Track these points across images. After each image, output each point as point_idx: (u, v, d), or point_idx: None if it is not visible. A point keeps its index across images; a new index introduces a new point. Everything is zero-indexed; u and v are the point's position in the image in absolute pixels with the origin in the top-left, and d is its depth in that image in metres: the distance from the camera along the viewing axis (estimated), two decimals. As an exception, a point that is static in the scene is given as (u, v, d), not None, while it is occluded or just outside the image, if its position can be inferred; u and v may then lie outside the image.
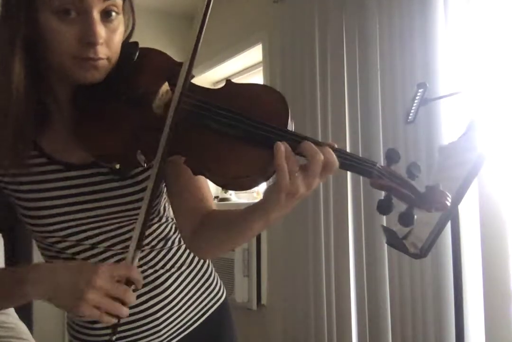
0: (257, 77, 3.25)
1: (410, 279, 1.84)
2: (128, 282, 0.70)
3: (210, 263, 1.05)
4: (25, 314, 2.27)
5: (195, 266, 0.99)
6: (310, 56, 2.44)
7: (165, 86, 0.74)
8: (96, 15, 0.70)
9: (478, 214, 1.60)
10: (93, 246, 0.86)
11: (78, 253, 0.86)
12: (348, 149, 2.16)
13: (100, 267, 0.69)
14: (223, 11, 3.37)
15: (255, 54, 3.09)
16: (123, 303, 0.69)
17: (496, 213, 1.55)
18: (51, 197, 0.82)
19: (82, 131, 0.75)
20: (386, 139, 1.99)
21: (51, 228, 0.83)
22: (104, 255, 0.87)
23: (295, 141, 0.68)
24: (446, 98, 1.69)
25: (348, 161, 0.70)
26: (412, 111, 1.54)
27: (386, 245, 1.82)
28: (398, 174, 0.71)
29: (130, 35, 0.83)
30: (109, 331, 0.88)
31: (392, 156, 0.72)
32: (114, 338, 0.72)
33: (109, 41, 0.73)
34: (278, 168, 0.66)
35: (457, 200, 1.14)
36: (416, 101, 1.53)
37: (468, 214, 1.66)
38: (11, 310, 2.14)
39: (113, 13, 0.73)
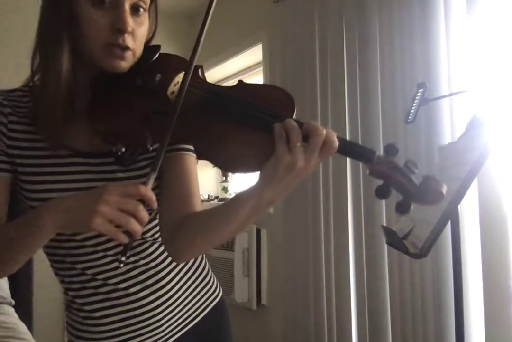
0: (257, 77, 3.25)
1: (410, 279, 1.84)
2: (141, 200, 0.70)
3: (206, 261, 1.05)
4: (25, 314, 2.27)
5: (193, 263, 1.01)
6: (310, 56, 2.44)
7: (180, 76, 0.79)
8: (127, 7, 0.78)
9: (478, 214, 1.61)
10: (99, 234, 0.86)
11: (86, 239, 0.87)
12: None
13: (109, 185, 0.70)
14: (223, 11, 3.37)
15: (255, 54, 3.09)
16: (136, 218, 0.68)
17: (496, 213, 1.55)
18: (59, 181, 0.84)
19: (95, 110, 0.81)
20: (386, 139, 1.99)
21: None
22: (113, 243, 0.88)
23: (299, 123, 0.71)
24: (446, 98, 1.69)
25: (349, 146, 0.73)
26: (412, 111, 1.54)
27: (386, 245, 1.82)
28: (396, 162, 0.73)
29: (152, 37, 0.90)
30: (111, 327, 0.90)
31: (390, 150, 0.74)
32: (123, 258, 0.70)
33: (135, 33, 0.80)
34: (277, 136, 0.69)
35: (457, 200, 1.14)
36: (416, 101, 1.53)
37: (468, 214, 1.66)
38: (11, 310, 2.14)
39: (141, 9, 0.81)
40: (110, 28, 0.77)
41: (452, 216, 1.25)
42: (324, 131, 0.70)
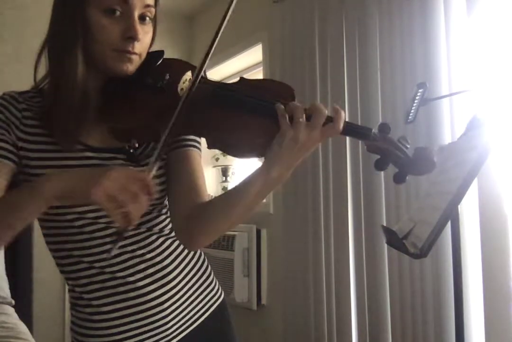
0: (257, 77, 3.25)
1: (410, 279, 1.84)
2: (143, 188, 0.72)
3: (208, 263, 1.07)
4: (25, 314, 2.27)
5: (196, 263, 1.02)
6: (310, 56, 2.44)
7: (188, 74, 0.89)
8: (136, 16, 0.85)
9: (478, 214, 1.61)
10: (107, 226, 0.89)
11: (93, 231, 0.89)
12: (348, 148, 2.19)
13: (116, 166, 0.77)
14: (223, 11, 3.37)
15: (255, 54, 3.09)
16: (135, 202, 0.70)
17: (496, 212, 1.55)
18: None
19: (109, 109, 0.87)
20: (386, 139, 1.99)
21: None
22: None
23: (303, 104, 0.79)
24: (446, 98, 1.69)
25: (349, 126, 0.82)
26: (412, 111, 1.54)
27: (386, 245, 1.82)
28: (391, 137, 0.82)
29: (151, 43, 0.94)
30: (119, 322, 0.91)
31: (384, 128, 0.83)
32: (117, 246, 0.76)
33: (142, 40, 0.87)
34: (279, 114, 0.78)
35: (457, 200, 1.14)
36: (416, 101, 1.53)
37: (468, 214, 1.66)
38: (11, 310, 2.14)
39: (147, 18, 0.88)
40: (122, 35, 0.84)
41: (452, 216, 1.25)
42: (326, 111, 0.78)
